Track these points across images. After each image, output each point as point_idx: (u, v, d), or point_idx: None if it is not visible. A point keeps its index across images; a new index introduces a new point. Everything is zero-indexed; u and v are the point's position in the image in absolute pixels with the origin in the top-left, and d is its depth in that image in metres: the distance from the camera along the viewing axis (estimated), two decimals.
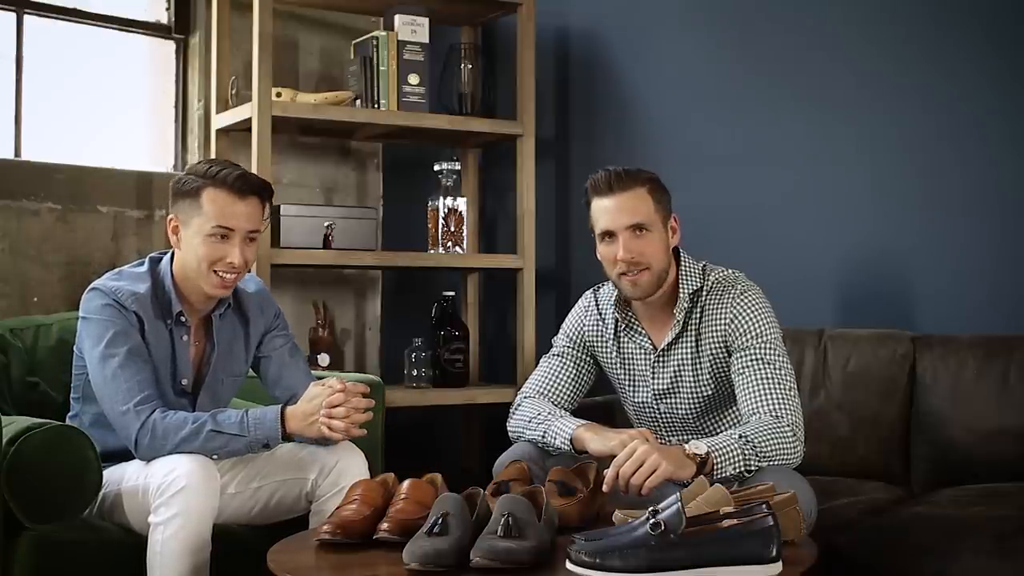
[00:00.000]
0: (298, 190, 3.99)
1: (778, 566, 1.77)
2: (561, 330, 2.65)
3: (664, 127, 3.60)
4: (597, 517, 2.15)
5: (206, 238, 2.38)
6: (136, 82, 3.82)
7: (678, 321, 2.46)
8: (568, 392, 2.58)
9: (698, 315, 2.47)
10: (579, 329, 2.62)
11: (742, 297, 2.44)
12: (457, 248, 3.67)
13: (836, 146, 3.21)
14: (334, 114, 3.52)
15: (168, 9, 3.80)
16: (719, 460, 2.16)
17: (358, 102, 3.57)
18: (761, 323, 2.41)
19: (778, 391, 2.33)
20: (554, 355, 2.63)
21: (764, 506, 1.79)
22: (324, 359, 3.77)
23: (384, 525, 1.98)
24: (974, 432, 2.74)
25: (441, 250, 3.66)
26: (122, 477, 2.35)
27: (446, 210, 3.66)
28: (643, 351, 2.53)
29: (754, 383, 2.35)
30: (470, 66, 3.82)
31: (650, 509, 1.79)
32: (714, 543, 1.75)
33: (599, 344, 2.59)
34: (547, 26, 3.85)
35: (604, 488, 2.13)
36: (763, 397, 2.33)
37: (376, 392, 2.85)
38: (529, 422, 2.45)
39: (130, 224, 3.55)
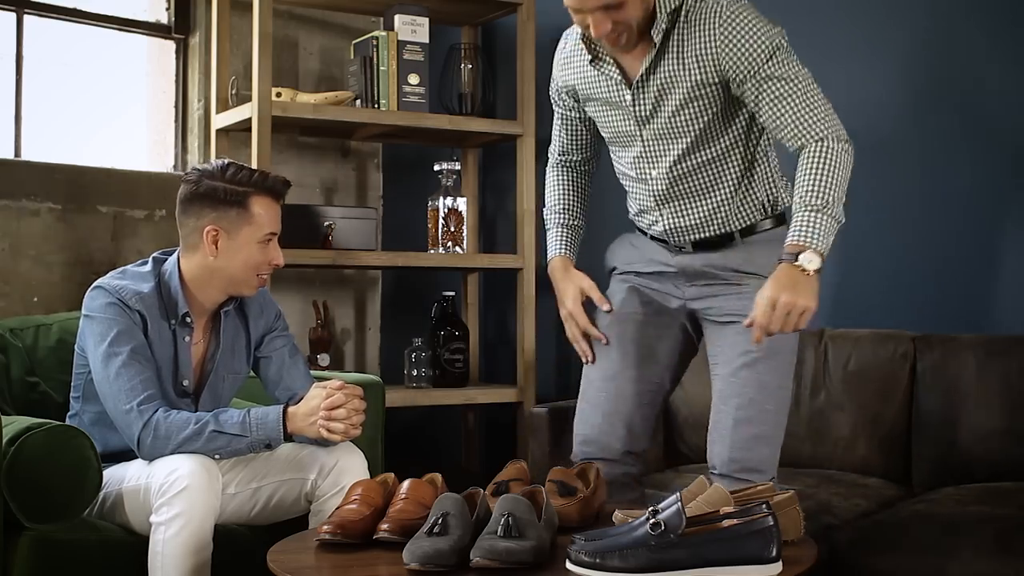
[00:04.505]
0: (298, 190, 3.98)
1: (778, 566, 1.77)
2: (550, 93, 2.55)
3: None
4: (597, 517, 2.15)
5: (257, 245, 2.42)
6: (136, 82, 3.83)
7: (655, 44, 2.23)
8: (583, 141, 2.56)
9: (678, 38, 2.23)
10: (557, 80, 2.48)
11: (730, 13, 2.20)
12: (457, 248, 3.67)
13: None
14: (334, 114, 3.52)
15: (168, 9, 3.79)
16: (819, 242, 2.13)
17: (358, 102, 3.57)
18: (762, 38, 2.19)
19: (808, 109, 2.18)
20: (556, 117, 2.57)
21: (764, 506, 1.79)
22: (324, 359, 3.77)
23: (384, 525, 1.98)
24: (974, 432, 2.74)
25: (441, 250, 3.66)
26: (123, 477, 2.35)
27: (446, 210, 3.66)
28: (615, 83, 2.33)
29: (782, 109, 2.19)
30: (470, 66, 3.82)
31: (650, 509, 1.79)
32: (714, 543, 1.75)
33: (578, 77, 2.40)
34: (547, 26, 3.84)
35: None
36: (799, 123, 2.18)
37: (376, 392, 2.86)
38: (552, 206, 2.59)
39: (130, 224, 3.55)
